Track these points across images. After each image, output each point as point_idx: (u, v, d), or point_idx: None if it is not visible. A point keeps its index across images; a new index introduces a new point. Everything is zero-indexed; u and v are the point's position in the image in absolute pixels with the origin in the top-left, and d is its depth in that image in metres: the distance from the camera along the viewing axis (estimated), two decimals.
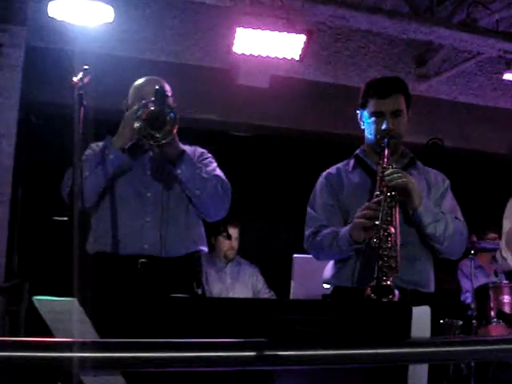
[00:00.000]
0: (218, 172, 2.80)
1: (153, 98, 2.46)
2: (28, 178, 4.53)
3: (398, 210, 2.34)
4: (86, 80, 2.24)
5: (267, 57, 4.16)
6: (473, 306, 4.49)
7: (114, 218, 2.67)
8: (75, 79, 2.20)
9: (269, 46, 4.10)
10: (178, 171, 2.58)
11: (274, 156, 5.57)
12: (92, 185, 2.57)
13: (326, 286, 2.65)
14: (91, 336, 1.30)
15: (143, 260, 2.63)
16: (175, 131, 2.50)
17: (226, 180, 2.77)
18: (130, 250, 2.63)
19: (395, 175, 2.38)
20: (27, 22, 4.54)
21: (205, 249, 2.83)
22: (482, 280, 4.84)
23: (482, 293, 4.45)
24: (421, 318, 1.17)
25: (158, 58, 5.13)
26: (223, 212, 2.76)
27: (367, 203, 2.35)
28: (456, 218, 2.56)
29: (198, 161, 2.83)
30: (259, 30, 3.88)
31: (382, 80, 2.62)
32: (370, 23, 4.25)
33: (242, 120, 5.49)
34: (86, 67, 2.30)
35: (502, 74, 4.90)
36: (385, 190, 2.35)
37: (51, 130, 4.47)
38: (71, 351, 1.19)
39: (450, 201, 2.63)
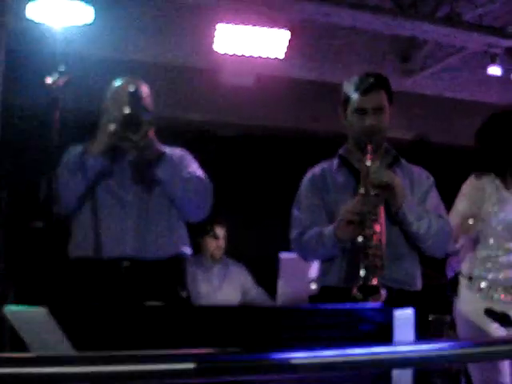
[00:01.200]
0: (199, 172, 2.78)
1: (127, 101, 2.42)
2: (11, 181, 4.47)
3: (383, 208, 2.31)
4: (60, 82, 2.19)
5: (250, 56, 4.12)
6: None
7: (94, 222, 2.65)
8: (49, 81, 2.15)
9: (252, 43, 4.06)
10: (159, 172, 2.55)
11: (260, 155, 5.53)
12: (71, 191, 2.55)
13: (312, 285, 2.62)
14: (63, 347, 1.26)
15: (126, 264, 2.61)
16: (152, 133, 2.48)
17: (208, 180, 2.75)
18: (111, 253, 2.61)
19: (380, 173, 2.35)
20: (7, 25, 4.49)
21: (188, 251, 2.81)
22: None
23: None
24: (404, 320, 1.14)
25: (140, 58, 5.07)
26: (205, 212, 2.74)
27: (351, 201, 2.32)
28: (440, 216, 2.53)
29: (179, 161, 2.81)
30: (240, 26, 3.83)
31: (364, 76, 2.59)
32: (353, 19, 4.23)
33: (228, 120, 5.45)
34: (61, 69, 2.25)
35: (487, 69, 4.88)
36: (369, 187, 2.32)
37: (32, 133, 4.42)
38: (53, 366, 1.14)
39: (434, 199, 2.60)
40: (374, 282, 2.12)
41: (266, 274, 4.43)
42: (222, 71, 4.92)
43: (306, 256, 2.58)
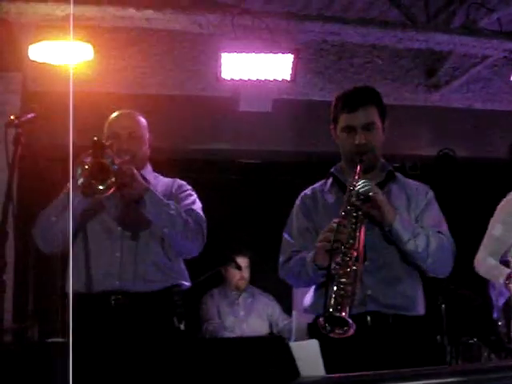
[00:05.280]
0: (196, 206, 2.73)
1: (90, 151, 2.37)
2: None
3: (363, 231, 2.16)
4: (24, 118, 2.18)
5: (257, 80, 4.06)
6: (500, 323, 4.20)
7: (86, 256, 2.63)
8: (12, 117, 2.15)
9: (258, 69, 4.00)
10: (143, 210, 2.50)
11: (285, 182, 5.41)
12: (60, 229, 2.52)
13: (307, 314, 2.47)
14: None
15: (116, 296, 2.56)
16: (133, 172, 2.45)
17: (202, 215, 2.70)
18: (101, 287, 2.58)
19: (366, 188, 2.21)
20: (24, 68, 4.59)
21: (185, 283, 2.73)
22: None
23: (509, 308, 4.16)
24: (310, 353, 1.02)
25: (158, 91, 5.10)
26: (197, 248, 2.67)
27: (329, 225, 2.18)
28: (440, 232, 2.35)
29: (176, 193, 2.76)
30: (244, 54, 3.79)
31: (351, 92, 2.47)
32: (362, 36, 4.11)
33: (249, 147, 5.38)
34: (32, 105, 2.25)
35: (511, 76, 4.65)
36: (350, 209, 2.18)
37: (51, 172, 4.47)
38: None
39: (433, 214, 2.42)
40: (343, 312, 1.96)
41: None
42: (238, 98, 4.86)
43: (292, 282, 2.47)
